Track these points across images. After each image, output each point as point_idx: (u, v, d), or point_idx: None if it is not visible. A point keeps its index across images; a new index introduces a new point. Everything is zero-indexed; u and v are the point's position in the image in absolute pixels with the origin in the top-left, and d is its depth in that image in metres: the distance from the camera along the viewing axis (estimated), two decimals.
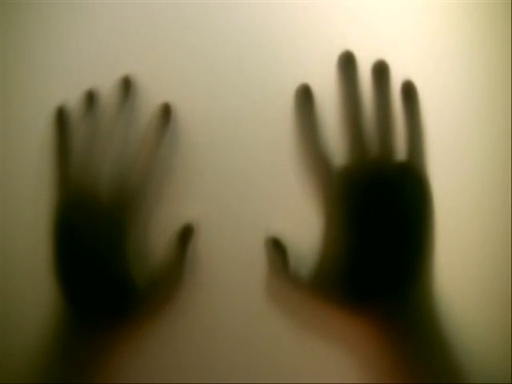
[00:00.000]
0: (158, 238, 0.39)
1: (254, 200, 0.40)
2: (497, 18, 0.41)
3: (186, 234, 0.39)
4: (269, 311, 0.39)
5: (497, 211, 0.40)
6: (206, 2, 0.41)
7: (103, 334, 0.37)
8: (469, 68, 0.41)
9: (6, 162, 0.41)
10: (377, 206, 0.37)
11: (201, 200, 0.40)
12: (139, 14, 0.41)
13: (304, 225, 0.39)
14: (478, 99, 0.41)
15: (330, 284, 0.37)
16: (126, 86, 0.40)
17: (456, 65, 0.41)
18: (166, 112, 0.40)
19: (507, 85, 0.41)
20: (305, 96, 0.40)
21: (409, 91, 0.39)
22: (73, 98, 0.40)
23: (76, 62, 0.41)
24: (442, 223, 0.38)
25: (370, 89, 0.40)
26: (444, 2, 0.41)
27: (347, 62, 0.40)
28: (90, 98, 0.40)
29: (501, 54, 0.41)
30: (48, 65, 0.41)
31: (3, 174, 0.40)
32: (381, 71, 0.40)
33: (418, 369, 0.36)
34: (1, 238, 0.40)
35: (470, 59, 0.41)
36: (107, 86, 0.40)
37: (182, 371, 0.38)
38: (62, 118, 0.40)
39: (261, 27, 0.41)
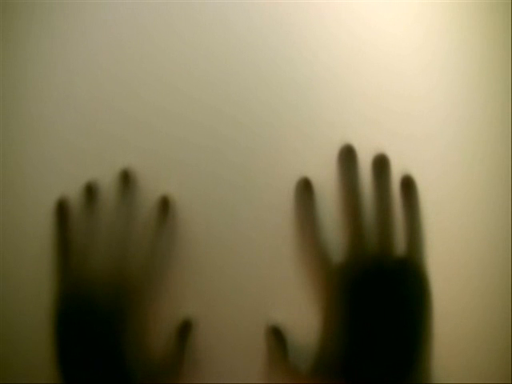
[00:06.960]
0: (157, 332, 0.39)
1: (254, 293, 0.39)
2: (497, 107, 0.42)
3: (184, 330, 0.39)
4: None
5: (497, 304, 0.40)
6: (203, 92, 0.42)
7: None
8: (469, 163, 0.41)
9: (7, 254, 0.41)
10: (376, 301, 0.37)
11: (200, 293, 0.40)
12: (139, 108, 0.42)
13: (303, 317, 0.39)
14: (477, 193, 0.41)
15: (328, 376, 0.37)
16: (126, 179, 0.41)
17: (456, 159, 0.41)
18: (165, 205, 0.40)
19: (507, 178, 0.41)
20: (305, 189, 0.40)
21: (408, 186, 0.40)
22: (73, 191, 0.41)
23: (75, 156, 0.41)
24: (440, 318, 0.39)
25: (370, 182, 0.40)
26: (444, 95, 0.42)
27: (347, 156, 0.40)
28: (90, 191, 0.40)
29: (501, 149, 0.41)
30: (47, 158, 0.42)
31: (4, 267, 0.41)
32: (381, 165, 0.40)
33: None
34: (2, 329, 0.40)
35: (470, 155, 0.41)
36: (107, 179, 0.41)
37: None
38: (62, 211, 0.40)
39: (261, 120, 0.41)
